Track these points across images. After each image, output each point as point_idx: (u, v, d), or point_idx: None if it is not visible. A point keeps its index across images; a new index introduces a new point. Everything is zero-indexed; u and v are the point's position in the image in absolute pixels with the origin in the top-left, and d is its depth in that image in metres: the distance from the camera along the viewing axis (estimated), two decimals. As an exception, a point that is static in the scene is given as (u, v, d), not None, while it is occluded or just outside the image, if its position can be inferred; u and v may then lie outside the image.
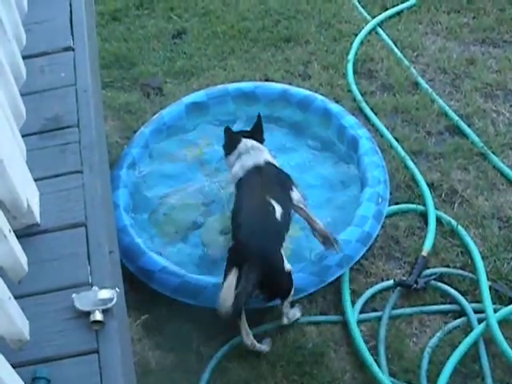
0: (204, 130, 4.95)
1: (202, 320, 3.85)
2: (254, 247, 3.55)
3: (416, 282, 3.92)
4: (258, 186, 3.90)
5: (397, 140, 4.76)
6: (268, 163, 4.04)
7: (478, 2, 5.94)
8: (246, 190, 3.91)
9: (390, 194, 4.37)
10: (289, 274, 3.67)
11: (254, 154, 4.07)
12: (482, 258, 4.02)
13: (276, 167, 4.07)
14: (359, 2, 6.07)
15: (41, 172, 2.83)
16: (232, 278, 3.43)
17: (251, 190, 3.90)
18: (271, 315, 3.88)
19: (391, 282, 3.98)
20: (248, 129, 4.31)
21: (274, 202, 3.72)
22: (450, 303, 3.92)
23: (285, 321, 3.81)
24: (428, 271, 4.01)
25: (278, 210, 3.71)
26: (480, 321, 3.76)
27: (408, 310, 3.90)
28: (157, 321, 3.89)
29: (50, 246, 2.62)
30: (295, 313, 3.86)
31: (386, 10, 5.93)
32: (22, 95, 2.97)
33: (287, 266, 3.65)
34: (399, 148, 4.70)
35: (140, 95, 5.34)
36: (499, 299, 3.86)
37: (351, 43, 5.60)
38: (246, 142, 4.13)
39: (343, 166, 4.65)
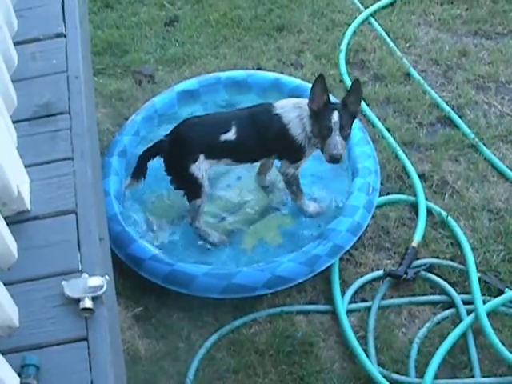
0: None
1: (192, 309, 3.87)
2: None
3: (406, 273, 3.93)
4: None
5: (388, 130, 4.77)
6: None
7: (471, -6, 5.95)
8: None
9: (381, 184, 4.37)
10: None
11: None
12: (472, 249, 4.04)
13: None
14: (352, -8, 6.06)
15: (31, 158, 2.82)
16: None
17: None
18: (260, 304, 3.89)
19: (381, 272, 3.99)
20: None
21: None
22: (439, 294, 3.93)
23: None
24: (418, 262, 4.02)
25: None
26: (469, 312, 3.78)
27: (397, 301, 3.91)
28: (146, 309, 3.89)
29: (40, 233, 2.61)
30: None
31: (379, 0, 5.93)
32: (14, 81, 2.96)
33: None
34: (391, 138, 4.70)
35: (132, 83, 5.32)
36: (488, 290, 3.87)
37: (344, 33, 5.61)
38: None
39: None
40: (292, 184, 4.22)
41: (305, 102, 3.98)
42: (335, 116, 3.82)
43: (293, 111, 4.00)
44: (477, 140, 4.67)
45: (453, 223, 4.19)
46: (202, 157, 3.98)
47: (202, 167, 4.00)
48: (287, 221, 4.33)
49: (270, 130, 4.01)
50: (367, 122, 4.86)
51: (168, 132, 4.15)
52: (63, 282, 2.36)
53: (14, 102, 2.94)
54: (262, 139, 4.04)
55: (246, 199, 4.43)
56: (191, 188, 4.10)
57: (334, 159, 3.85)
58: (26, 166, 2.73)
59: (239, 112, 4.18)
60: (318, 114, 3.88)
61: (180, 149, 4.02)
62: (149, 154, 4.13)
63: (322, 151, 3.94)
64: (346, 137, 3.86)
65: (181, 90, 4.96)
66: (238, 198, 4.43)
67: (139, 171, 4.14)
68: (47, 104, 3.12)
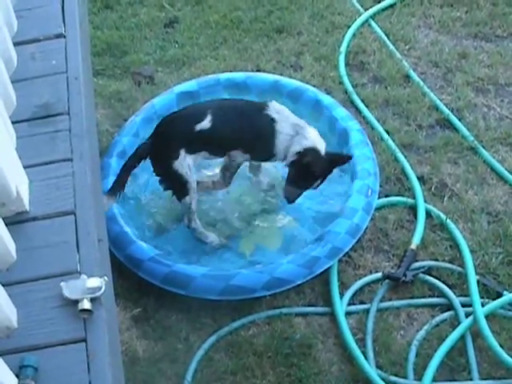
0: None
1: (190, 310, 3.87)
2: None
3: (404, 275, 3.93)
4: None
5: (387, 133, 4.77)
6: None
7: (471, -4, 5.95)
8: None
9: (380, 186, 4.37)
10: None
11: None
12: (471, 251, 4.04)
13: None
14: (352, -6, 6.06)
15: (30, 159, 2.82)
16: None
17: None
18: (259, 306, 3.89)
19: (379, 274, 3.99)
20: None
21: None
22: (437, 297, 3.93)
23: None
24: (416, 264, 4.02)
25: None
26: (467, 315, 3.78)
27: (396, 303, 3.91)
28: (145, 310, 3.89)
29: (38, 234, 2.61)
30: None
31: (379, 2, 5.92)
32: (13, 82, 2.96)
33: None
34: (390, 141, 4.70)
35: (131, 84, 5.32)
36: (487, 293, 3.87)
37: (343, 35, 5.60)
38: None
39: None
40: (229, 170, 4.21)
41: (303, 125, 4.01)
42: (316, 184, 4.03)
43: (290, 128, 3.97)
44: (476, 143, 4.67)
45: (452, 226, 4.19)
46: (182, 152, 3.95)
47: (184, 163, 3.96)
48: (286, 222, 4.33)
49: (256, 125, 3.99)
50: (366, 124, 4.85)
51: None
52: (62, 283, 2.36)
53: (13, 102, 2.94)
54: (239, 130, 4.00)
55: (244, 201, 4.42)
56: (178, 186, 4.08)
57: (289, 201, 4.12)
58: (24, 167, 2.72)
59: (220, 101, 4.19)
60: (308, 168, 3.94)
61: (161, 147, 4.01)
62: (133, 162, 4.07)
63: (286, 182, 4.07)
64: None
65: (180, 91, 4.95)
66: (236, 199, 4.42)
67: (120, 183, 4.03)
68: (46, 105, 3.11)
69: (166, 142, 4.01)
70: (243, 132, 4.00)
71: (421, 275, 3.98)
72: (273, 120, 3.98)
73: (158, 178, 4.13)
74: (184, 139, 3.97)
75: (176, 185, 4.09)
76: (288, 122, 3.99)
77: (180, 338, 3.79)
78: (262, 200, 4.43)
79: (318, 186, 4.03)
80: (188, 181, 4.01)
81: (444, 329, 3.78)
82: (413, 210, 4.32)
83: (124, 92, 5.23)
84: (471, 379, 3.57)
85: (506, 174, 4.49)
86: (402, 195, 4.41)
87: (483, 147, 4.65)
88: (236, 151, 4.07)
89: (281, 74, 5.20)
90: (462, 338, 3.71)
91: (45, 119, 3.05)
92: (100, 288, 2.33)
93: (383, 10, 5.88)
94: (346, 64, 5.36)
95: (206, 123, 3.92)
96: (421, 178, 4.49)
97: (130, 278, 3.95)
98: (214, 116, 3.94)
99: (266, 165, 4.37)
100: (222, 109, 4.04)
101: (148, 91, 5.21)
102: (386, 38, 5.57)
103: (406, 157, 4.60)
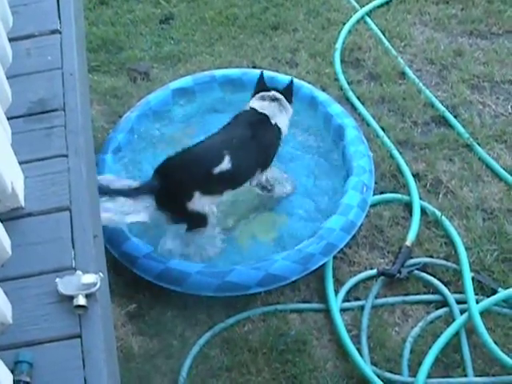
0: (190, 117, 4.95)
1: (185, 306, 3.88)
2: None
3: (399, 272, 3.94)
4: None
5: (383, 129, 4.77)
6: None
7: (467, -6, 5.95)
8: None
9: (375, 183, 4.37)
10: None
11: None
12: (466, 248, 4.04)
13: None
14: (348, -9, 6.06)
15: (26, 155, 2.81)
16: None
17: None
18: (254, 302, 3.89)
19: (374, 271, 3.99)
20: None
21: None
22: (432, 293, 3.94)
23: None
24: (411, 261, 4.02)
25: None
26: (462, 311, 3.79)
27: (391, 300, 3.91)
28: (140, 306, 3.89)
29: (33, 230, 2.60)
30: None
31: (375, -1, 5.93)
32: (8, 78, 2.95)
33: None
34: (385, 138, 4.70)
35: (126, 80, 5.32)
36: (481, 290, 3.88)
37: (339, 32, 5.60)
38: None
39: (328, 154, 4.65)
40: (267, 187, 4.29)
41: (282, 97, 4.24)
42: None
43: (280, 113, 4.17)
44: (471, 140, 4.67)
45: (447, 223, 4.20)
46: (197, 194, 3.83)
47: (199, 203, 3.86)
48: (281, 219, 4.33)
49: (268, 139, 4.05)
50: (362, 120, 4.86)
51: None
52: (57, 279, 2.35)
53: (8, 98, 2.93)
54: (256, 154, 4.04)
55: (239, 198, 4.41)
56: (195, 222, 3.98)
57: None
58: (20, 163, 2.72)
59: (227, 135, 4.05)
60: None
61: (171, 190, 3.82)
62: (129, 193, 3.79)
63: None
64: None
65: (176, 87, 4.96)
66: (232, 197, 4.41)
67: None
68: (42, 101, 3.10)
69: (178, 185, 3.82)
70: (259, 153, 4.07)
71: (416, 272, 3.98)
72: (267, 117, 4.11)
73: (163, 215, 3.94)
74: (199, 182, 3.85)
75: (192, 221, 3.98)
76: (277, 110, 4.20)
77: (175, 334, 3.79)
78: (256, 196, 4.41)
79: None
80: (206, 215, 3.95)
81: (439, 325, 3.78)
82: (408, 206, 4.33)
83: (119, 88, 5.23)
84: (466, 376, 3.58)
85: (501, 171, 4.50)
86: (397, 192, 4.41)
87: (478, 144, 4.66)
88: (254, 176, 4.14)
89: (276, 71, 5.20)
90: (457, 334, 3.72)
91: (40, 115, 3.04)
92: (95, 284, 2.32)
93: (379, 6, 5.89)
94: (342, 61, 5.37)
95: (225, 164, 3.85)
96: (416, 175, 4.49)
97: (125, 275, 3.95)
98: (232, 154, 3.87)
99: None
100: (238, 141, 3.97)
101: (143, 87, 5.21)
102: (381, 35, 5.57)
103: (401, 154, 4.61)
